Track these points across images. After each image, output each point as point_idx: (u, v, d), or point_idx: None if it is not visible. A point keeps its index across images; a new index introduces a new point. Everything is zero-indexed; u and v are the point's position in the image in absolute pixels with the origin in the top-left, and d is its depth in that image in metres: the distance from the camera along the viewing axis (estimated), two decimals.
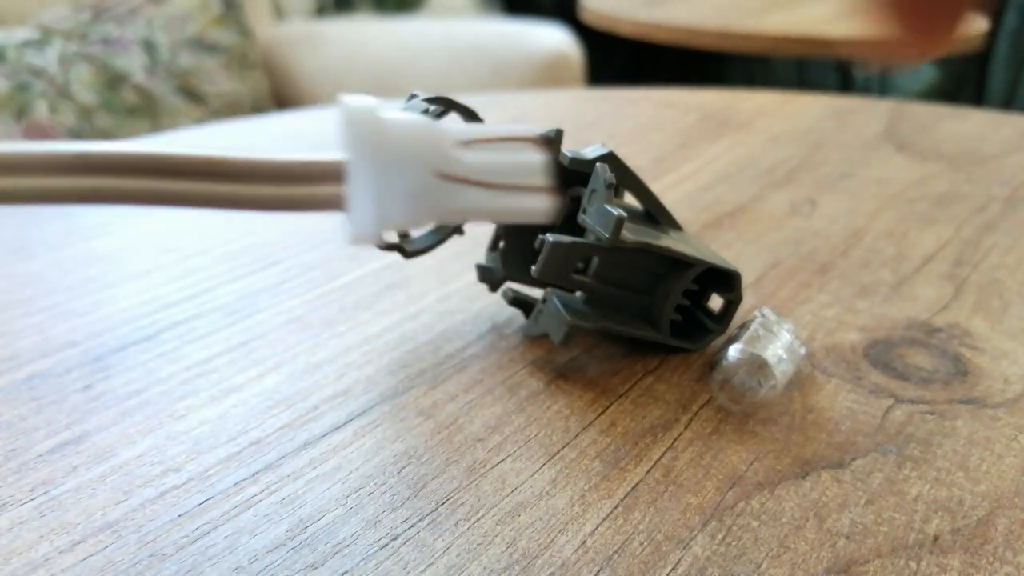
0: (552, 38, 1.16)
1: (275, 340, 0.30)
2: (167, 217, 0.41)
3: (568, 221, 0.31)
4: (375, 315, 0.32)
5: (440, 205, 0.15)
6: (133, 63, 1.10)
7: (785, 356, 0.27)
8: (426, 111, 0.27)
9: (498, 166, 0.15)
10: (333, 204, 0.15)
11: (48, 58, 1.04)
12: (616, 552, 0.21)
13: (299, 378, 0.28)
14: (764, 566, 0.20)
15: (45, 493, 0.23)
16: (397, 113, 0.15)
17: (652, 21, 1.28)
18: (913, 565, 0.20)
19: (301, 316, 0.32)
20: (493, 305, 0.33)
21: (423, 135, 0.15)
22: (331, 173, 0.15)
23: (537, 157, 0.15)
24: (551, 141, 0.28)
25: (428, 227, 0.32)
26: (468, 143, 0.15)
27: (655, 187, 0.44)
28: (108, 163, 0.14)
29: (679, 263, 0.28)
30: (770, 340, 0.27)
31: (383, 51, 1.22)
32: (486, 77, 1.15)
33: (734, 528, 0.22)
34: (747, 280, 0.35)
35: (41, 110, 1.01)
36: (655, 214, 0.29)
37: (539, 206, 0.15)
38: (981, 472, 0.24)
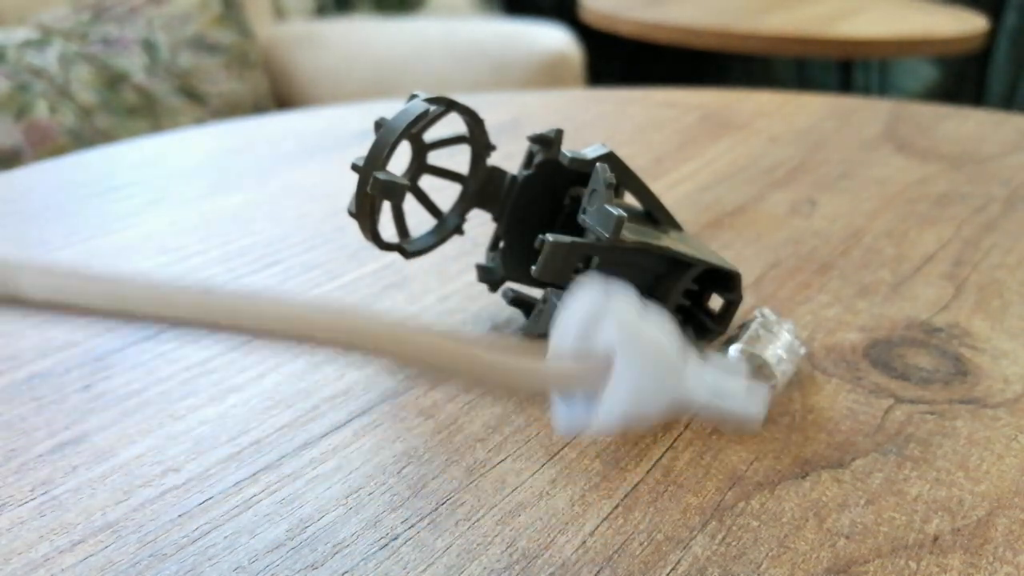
0: (552, 38, 1.16)
1: None
2: (167, 217, 0.41)
3: (568, 221, 0.31)
4: None
5: (676, 396, 0.17)
6: (133, 63, 1.10)
7: (785, 356, 0.27)
8: (426, 112, 0.27)
9: (717, 371, 0.17)
10: (588, 385, 0.16)
11: (48, 58, 1.04)
12: (616, 552, 0.21)
13: (299, 378, 0.28)
14: (764, 566, 0.20)
15: (45, 493, 0.23)
16: (653, 317, 0.16)
17: (652, 21, 1.28)
18: (913, 565, 0.20)
19: None
20: (493, 305, 0.33)
21: (671, 342, 0.17)
22: (597, 367, 0.16)
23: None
24: (553, 141, 0.29)
25: (431, 233, 0.32)
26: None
27: (655, 187, 0.44)
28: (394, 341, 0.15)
29: (679, 263, 0.28)
30: (770, 340, 0.27)
31: (383, 51, 1.22)
32: (486, 77, 1.15)
33: (734, 528, 0.22)
34: (747, 280, 0.35)
35: (41, 110, 1.01)
36: (655, 214, 0.29)
37: (754, 408, 0.17)
38: (981, 472, 0.24)
